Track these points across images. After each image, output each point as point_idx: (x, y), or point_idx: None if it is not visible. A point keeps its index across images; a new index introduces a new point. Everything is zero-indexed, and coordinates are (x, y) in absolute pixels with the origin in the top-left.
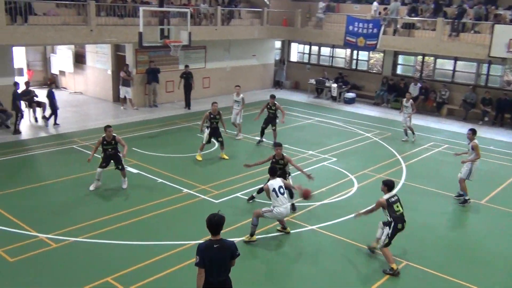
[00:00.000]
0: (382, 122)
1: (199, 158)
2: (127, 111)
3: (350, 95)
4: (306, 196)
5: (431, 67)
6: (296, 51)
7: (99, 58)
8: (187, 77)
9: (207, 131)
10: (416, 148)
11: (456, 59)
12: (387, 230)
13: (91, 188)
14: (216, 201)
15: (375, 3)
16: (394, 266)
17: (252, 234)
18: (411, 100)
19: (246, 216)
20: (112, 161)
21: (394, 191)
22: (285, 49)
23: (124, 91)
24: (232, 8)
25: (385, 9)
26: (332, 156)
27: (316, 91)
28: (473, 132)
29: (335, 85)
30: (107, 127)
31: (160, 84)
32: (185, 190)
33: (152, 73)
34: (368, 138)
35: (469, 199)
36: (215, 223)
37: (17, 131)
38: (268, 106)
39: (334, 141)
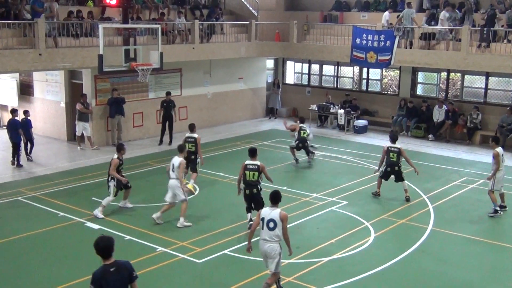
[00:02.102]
0: None
1: (190, 187)
2: (85, 152)
3: (361, 122)
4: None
5: (458, 86)
6: (293, 71)
7: (50, 88)
8: (167, 107)
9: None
10: (445, 186)
11: (488, 74)
12: None
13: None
14: (199, 261)
15: (386, 13)
16: None
17: None
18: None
19: (239, 277)
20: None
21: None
22: (279, 69)
23: (81, 127)
24: (213, 22)
25: (398, 17)
26: (341, 199)
27: (319, 119)
28: (495, 141)
29: (342, 111)
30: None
31: (126, 117)
32: (160, 248)
33: (116, 104)
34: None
35: (499, 211)
36: (103, 246)
37: None
38: None
39: (343, 180)
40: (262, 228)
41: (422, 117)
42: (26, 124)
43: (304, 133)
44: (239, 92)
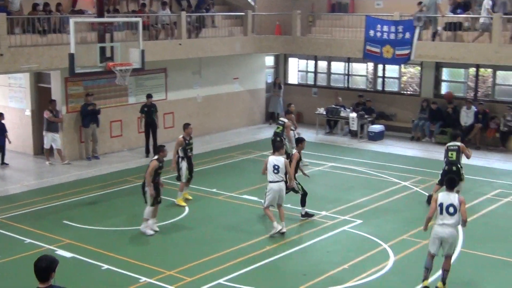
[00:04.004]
0: (425, 164)
1: (182, 203)
2: (55, 168)
3: (377, 128)
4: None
5: (489, 83)
6: (297, 70)
7: (13, 94)
8: (149, 111)
9: (185, 165)
10: (476, 199)
11: None
12: None
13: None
14: None
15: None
16: None
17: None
18: None
19: None
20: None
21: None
22: (281, 67)
23: (50, 139)
24: (202, 14)
25: (419, 3)
26: (355, 218)
27: (327, 124)
28: None
29: (354, 115)
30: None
31: (101, 126)
32: (144, 279)
33: (90, 112)
34: (405, 189)
35: None
36: (44, 267)
37: None
38: None
39: (357, 195)
40: (441, 213)
41: (447, 120)
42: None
43: (278, 127)
44: (234, 95)
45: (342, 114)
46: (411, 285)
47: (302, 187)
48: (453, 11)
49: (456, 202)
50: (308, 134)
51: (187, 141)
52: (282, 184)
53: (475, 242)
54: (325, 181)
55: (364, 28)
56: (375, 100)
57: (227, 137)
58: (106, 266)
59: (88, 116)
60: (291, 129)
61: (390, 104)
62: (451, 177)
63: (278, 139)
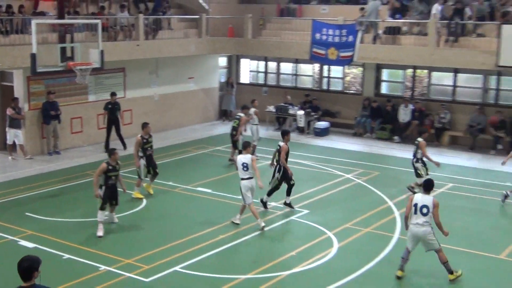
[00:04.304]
0: (366, 158)
1: (139, 196)
2: (17, 163)
3: (322, 124)
4: None
5: (425, 83)
6: (248, 70)
7: None
8: (113, 109)
9: (143, 162)
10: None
11: (456, 71)
12: None
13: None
14: (147, 280)
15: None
16: None
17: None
18: None
19: None
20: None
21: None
22: (233, 67)
23: (12, 135)
24: (159, 17)
25: (361, 9)
26: (302, 208)
27: (277, 121)
28: None
29: (301, 113)
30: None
31: (62, 122)
32: (103, 267)
33: (52, 109)
34: (348, 181)
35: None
36: (26, 267)
37: None
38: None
39: (304, 187)
40: (415, 213)
41: (387, 117)
42: None
43: (235, 122)
44: (190, 93)
45: (291, 111)
46: (353, 270)
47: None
48: (392, 16)
49: (429, 204)
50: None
51: (145, 140)
52: (253, 180)
53: None
54: None
55: (310, 31)
56: (320, 98)
57: (182, 133)
58: (67, 256)
59: (50, 111)
60: (255, 124)
61: (335, 103)
62: (429, 180)
63: (234, 132)
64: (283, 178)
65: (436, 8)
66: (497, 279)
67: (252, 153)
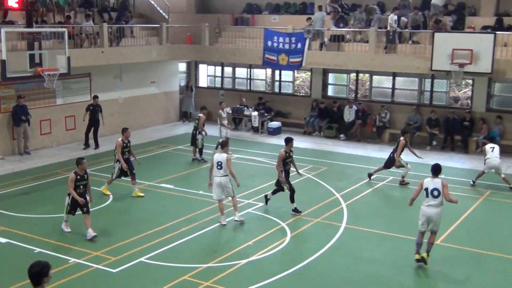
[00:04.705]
0: (315, 154)
1: (107, 192)
2: None
3: (275, 124)
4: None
5: (367, 86)
6: (206, 75)
7: None
8: (94, 110)
9: (117, 166)
10: (357, 184)
11: (394, 75)
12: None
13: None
14: (114, 271)
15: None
16: None
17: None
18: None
19: (156, 285)
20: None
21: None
22: (192, 72)
23: None
24: (122, 25)
25: (308, 19)
26: (257, 201)
27: (233, 121)
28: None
29: (255, 113)
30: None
31: (32, 124)
32: (72, 259)
33: (22, 112)
34: (299, 176)
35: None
36: (34, 273)
37: None
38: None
39: (259, 182)
40: (427, 196)
41: (333, 117)
42: None
43: (195, 122)
44: (152, 96)
45: (246, 112)
46: (305, 256)
47: (289, 184)
48: (336, 25)
49: (439, 186)
50: (217, 131)
51: (125, 144)
52: (224, 179)
53: (357, 218)
54: None
55: (263, 39)
56: (273, 100)
57: (146, 134)
58: (38, 250)
59: (20, 114)
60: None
61: (286, 104)
62: (436, 165)
63: (194, 132)
64: (278, 182)
65: (391, 18)
66: (433, 261)
67: (223, 147)
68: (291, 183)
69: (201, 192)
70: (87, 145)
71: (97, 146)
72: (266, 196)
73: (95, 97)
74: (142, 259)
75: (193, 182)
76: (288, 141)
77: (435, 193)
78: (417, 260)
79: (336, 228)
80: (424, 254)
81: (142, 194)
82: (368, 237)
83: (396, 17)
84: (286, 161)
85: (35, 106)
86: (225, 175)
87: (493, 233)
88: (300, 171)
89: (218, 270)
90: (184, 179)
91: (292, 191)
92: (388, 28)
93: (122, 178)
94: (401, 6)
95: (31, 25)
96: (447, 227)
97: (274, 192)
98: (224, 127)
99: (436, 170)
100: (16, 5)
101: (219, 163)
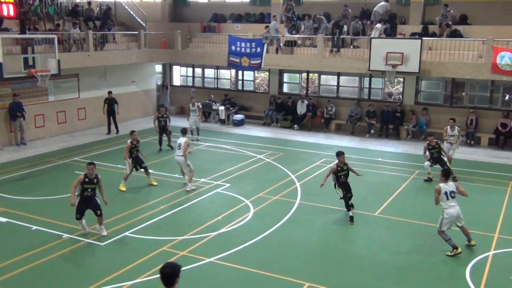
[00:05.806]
0: (273, 142)
1: (123, 189)
2: None
3: (239, 117)
4: None
5: (316, 84)
6: (179, 75)
7: None
8: (110, 103)
9: (129, 161)
10: (308, 166)
11: (339, 74)
12: None
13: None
14: (102, 244)
15: (378, 25)
16: None
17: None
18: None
19: (139, 256)
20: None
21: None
22: (167, 73)
23: None
24: (105, 32)
25: (266, 27)
26: (225, 182)
27: (203, 115)
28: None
29: (222, 108)
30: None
31: (27, 119)
32: (65, 235)
33: (17, 108)
34: (260, 160)
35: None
36: (165, 275)
37: None
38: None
39: (226, 166)
40: (448, 199)
41: (288, 110)
42: None
43: (165, 114)
44: (132, 94)
45: (214, 107)
46: (266, 228)
47: (342, 192)
48: (290, 32)
49: (454, 188)
50: (187, 122)
51: (133, 145)
52: (180, 158)
53: (309, 196)
54: (202, 157)
55: (227, 44)
56: (237, 96)
57: (128, 126)
58: (35, 227)
59: (15, 110)
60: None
61: (248, 100)
62: (446, 170)
63: (163, 123)
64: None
65: (378, 27)
66: (372, 230)
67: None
68: (347, 193)
69: (176, 175)
70: (109, 131)
71: (117, 131)
72: (351, 217)
73: (110, 92)
74: (126, 233)
75: (169, 167)
76: (338, 154)
77: (453, 194)
78: (460, 252)
79: (292, 204)
80: (472, 242)
81: (155, 183)
82: (318, 211)
83: (383, 27)
84: (338, 175)
85: (30, 103)
86: (181, 155)
87: (415, 205)
88: (355, 170)
89: (192, 241)
90: (161, 164)
91: (346, 197)
92: (319, 35)
93: (134, 171)
94: (342, 16)
95: (24, 32)
96: (382, 202)
97: (347, 206)
98: (191, 117)
99: (447, 174)
100: (11, 14)
101: (179, 145)
